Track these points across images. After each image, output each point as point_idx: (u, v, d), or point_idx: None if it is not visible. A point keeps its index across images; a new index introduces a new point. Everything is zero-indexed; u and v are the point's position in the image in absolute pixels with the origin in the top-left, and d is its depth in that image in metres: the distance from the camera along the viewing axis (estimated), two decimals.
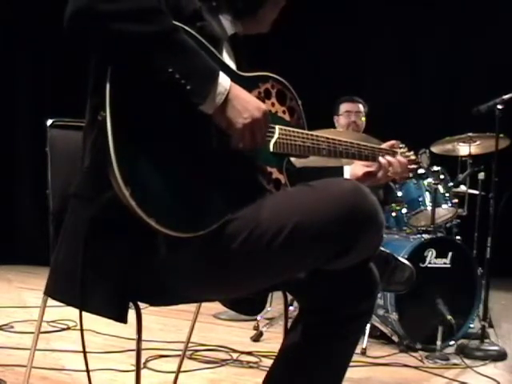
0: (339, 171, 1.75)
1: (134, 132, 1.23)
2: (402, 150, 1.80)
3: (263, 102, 1.46)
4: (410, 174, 1.82)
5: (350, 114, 3.81)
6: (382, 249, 1.85)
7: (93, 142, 1.30)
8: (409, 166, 1.78)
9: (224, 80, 1.30)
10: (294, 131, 1.50)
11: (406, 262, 1.90)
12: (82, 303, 1.33)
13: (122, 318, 1.32)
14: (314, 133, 1.55)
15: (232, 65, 1.51)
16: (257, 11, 1.57)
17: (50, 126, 1.74)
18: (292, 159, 1.59)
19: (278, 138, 1.47)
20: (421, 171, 3.45)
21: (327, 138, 1.57)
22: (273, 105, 1.52)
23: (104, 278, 1.32)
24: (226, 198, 1.32)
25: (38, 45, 5.57)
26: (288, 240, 1.25)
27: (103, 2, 1.19)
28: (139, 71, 1.24)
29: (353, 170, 1.75)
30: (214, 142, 1.34)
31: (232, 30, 1.55)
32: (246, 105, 1.32)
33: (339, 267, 1.35)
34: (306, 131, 1.55)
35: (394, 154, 1.76)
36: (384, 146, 1.77)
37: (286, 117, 1.55)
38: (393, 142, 1.78)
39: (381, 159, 1.71)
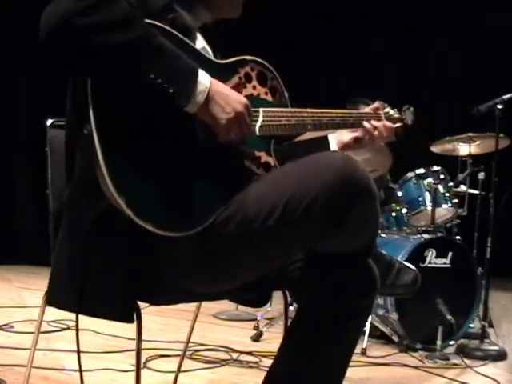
0: (324, 141, 1.73)
1: (121, 142, 1.24)
2: (385, 109, 1.79)
3: (245, 86, 1.48)
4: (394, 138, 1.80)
5: None
6: (385, 253, 1.84)
7: (80, 151, 1.31)
8: (393, 126, 1.77)
9: (204, 78, 1.31)
10: (278, 111, 1.51)
11: (409, 265, 1.90)
12: (79, 307, 1.36)
13: (126, 318, 1.33)
14: (298, 109, 1.55)
15: (207, 53, 1.50)
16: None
17: (50, 125, 1.74)
18: None
19: (263, 120, 1.47)
20: (420, 171, 3.49)
21: (311, 112, 1.57)
22: (254, 88, 1.52)
23: (105, 280, 1.33)
24: (218, 191, 1.33)
25: (39, 45, 5.56)
26: (282, 217, 1.27)
27: (77, 16, 1.19)
28: (120, 80, 1.24)
29: (338, 137, 1.73)
30: (201, 136, 1.35)
31: (203, 19, 1.54)
32: (228, 99, 1.33)
33: (340, 246, 1.34)
34: (290, 108, 1.55)
35: (378, 116, 1.75)
36: (368, 109, 1.76)
37: (269, 97, 1.55)
38: (376, 104, 1.78)
39: (365, 124, 1.70)
